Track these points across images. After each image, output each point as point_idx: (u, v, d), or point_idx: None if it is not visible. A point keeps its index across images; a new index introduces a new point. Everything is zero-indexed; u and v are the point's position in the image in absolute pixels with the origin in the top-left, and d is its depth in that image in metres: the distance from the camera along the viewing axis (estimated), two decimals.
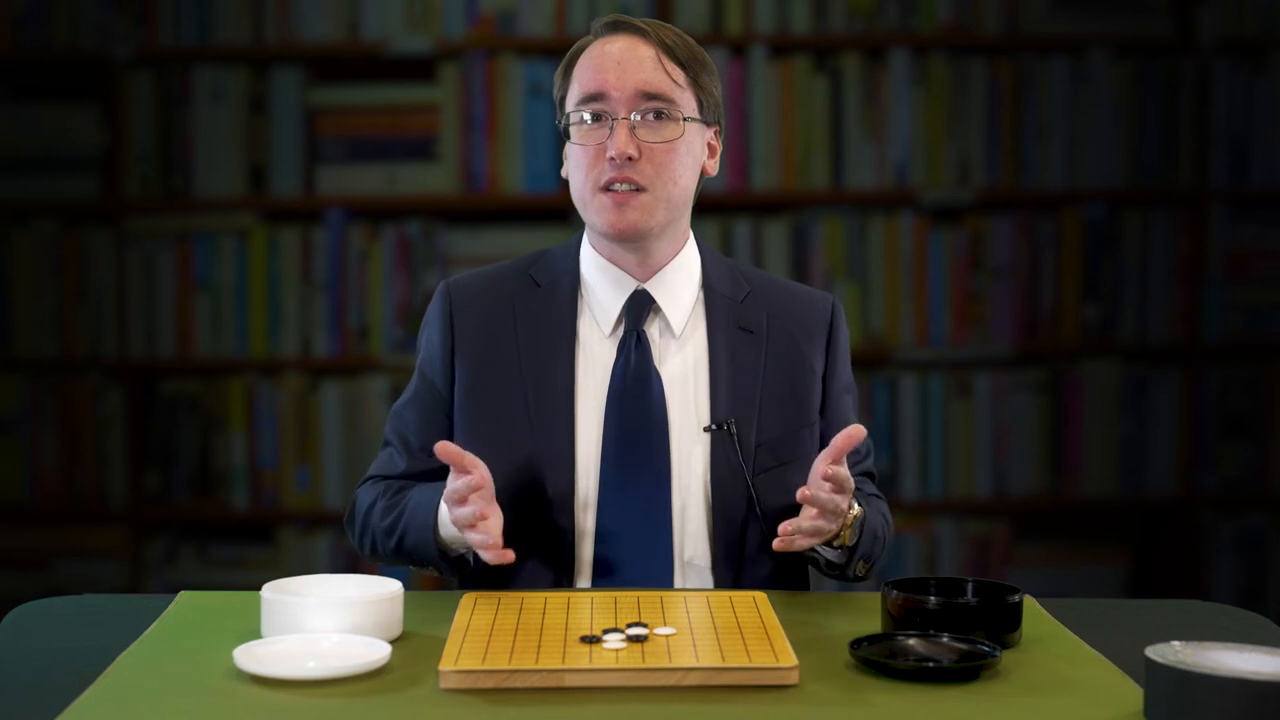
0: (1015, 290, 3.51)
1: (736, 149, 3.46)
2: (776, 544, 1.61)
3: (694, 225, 1.90)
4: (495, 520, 1.63)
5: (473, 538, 1.61)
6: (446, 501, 1.64)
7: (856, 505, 1.69)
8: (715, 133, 1.86)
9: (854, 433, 1.60)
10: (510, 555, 1.61)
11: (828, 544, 1.70)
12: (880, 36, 3.47)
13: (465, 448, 1.76)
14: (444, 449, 1.62)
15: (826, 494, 1.61)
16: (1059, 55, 3.48)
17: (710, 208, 3.38)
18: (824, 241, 3.49)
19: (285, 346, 3.50)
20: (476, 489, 1.61)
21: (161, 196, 3.49)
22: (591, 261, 1.85)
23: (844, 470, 1.62)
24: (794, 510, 1.69)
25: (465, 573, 1.78)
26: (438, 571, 1.79)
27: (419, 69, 3.47)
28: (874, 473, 1.95)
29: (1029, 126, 3.49)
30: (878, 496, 1.90)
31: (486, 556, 1.61)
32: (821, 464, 1.61)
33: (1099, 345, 3.52)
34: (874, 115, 3.48)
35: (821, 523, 1.62)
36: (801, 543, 1.63)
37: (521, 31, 3.46)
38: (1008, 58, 3.48)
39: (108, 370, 3.50)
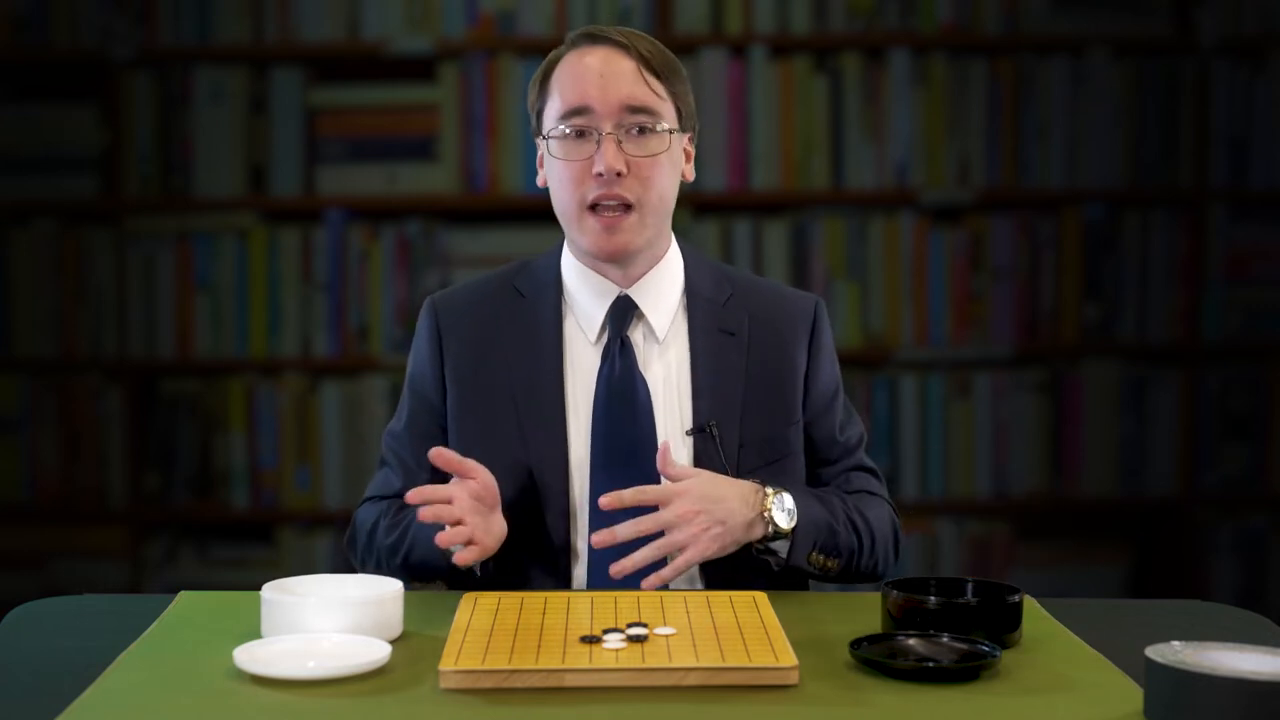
0: (1015, 290, 3.51)
1: (737, 149, 3.45)
2: (644, 582, 1.64)
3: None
4: (489, 529, 1.66)
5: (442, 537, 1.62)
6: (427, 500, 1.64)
7: (774, 494, 1.71)
8: (689, 138, 1.87)
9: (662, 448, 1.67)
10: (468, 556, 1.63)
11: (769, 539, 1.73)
12: (880, 36, 3.47)
13: None
14: (439, 454, 1.64)
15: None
16: (1059, 55, 3.47)
17: (710, 208, 3.37)
18: (824, 241, 3.49)
19: (285, 346, 3.50)
20: (477, 496, 1.63)
21: (161, 196, 3.48)
22: (574, 269, 1.86)
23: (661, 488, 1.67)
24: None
25: (471, 583, 1.78)
26: (446, 584, 1.81)
27: (419, 69, 3.47)
28: (869, 467, 1.93)
29: (1029, 126, 3.49)
30: (871, 493, 1.89)
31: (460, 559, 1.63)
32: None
33: (1099, 345, 3.52)
34: (874, 115, 3.48)
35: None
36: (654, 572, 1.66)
37: (521, 31, 3.45)
38: (1008, 58, 3.47)
39: (108, 370, 3.50)
